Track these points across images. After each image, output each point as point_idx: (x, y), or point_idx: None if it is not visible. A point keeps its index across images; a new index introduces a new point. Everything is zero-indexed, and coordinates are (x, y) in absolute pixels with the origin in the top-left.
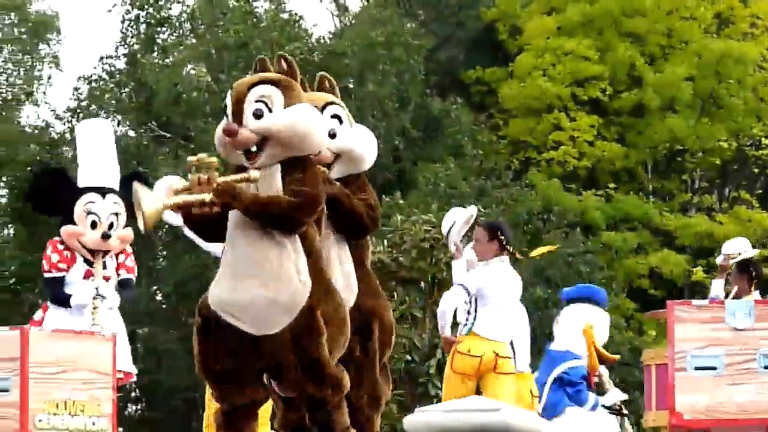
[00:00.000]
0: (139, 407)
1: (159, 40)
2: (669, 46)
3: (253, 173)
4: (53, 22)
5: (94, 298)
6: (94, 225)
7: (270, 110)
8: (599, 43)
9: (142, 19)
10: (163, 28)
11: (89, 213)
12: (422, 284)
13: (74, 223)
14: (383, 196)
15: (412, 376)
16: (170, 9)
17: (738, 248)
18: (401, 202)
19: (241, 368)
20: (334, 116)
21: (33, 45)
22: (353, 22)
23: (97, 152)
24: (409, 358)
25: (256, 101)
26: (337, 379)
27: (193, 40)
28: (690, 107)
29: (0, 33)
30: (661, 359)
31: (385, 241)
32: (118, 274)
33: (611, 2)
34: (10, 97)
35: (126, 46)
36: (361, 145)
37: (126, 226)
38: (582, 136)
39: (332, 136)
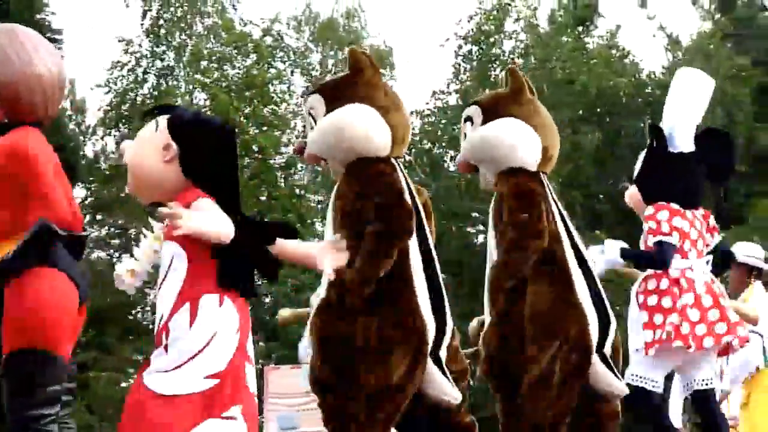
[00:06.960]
0: None
1: (491, 76)
2: None
3: None
4: (387, 57)
5: None
6: None
7: (316, 122)
8: None
9: (474, 55)
10: (495, 64)
11: None
12: None
13: None
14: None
15: None
16: (503, 45)
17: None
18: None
19: None
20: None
21: None
22: (684, 56)
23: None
24: None
25: (308, 113)
26: None
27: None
28: None
29: (333, 69)
30: None
31: None
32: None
33: None
34: None
35: (458, 81)
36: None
37: None
38: None
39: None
